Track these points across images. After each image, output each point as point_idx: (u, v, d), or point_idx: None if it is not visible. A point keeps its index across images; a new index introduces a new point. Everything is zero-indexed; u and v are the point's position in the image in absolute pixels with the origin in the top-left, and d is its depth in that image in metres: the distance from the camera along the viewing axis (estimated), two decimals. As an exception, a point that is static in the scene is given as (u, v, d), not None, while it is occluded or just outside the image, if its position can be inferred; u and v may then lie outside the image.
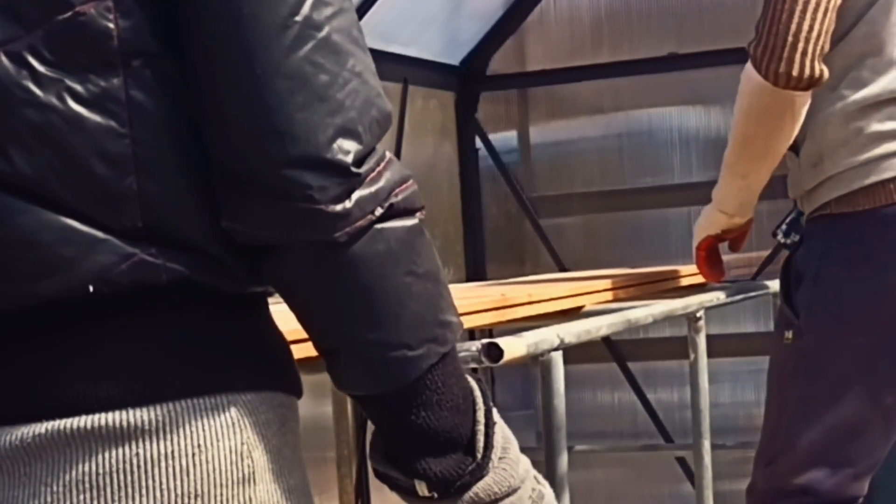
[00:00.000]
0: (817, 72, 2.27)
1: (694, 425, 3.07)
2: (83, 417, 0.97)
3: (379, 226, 1.00)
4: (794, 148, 2.45)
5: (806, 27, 2.25)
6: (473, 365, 1.80)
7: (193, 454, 0.99)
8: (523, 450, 1.13)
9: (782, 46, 2.26)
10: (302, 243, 1.00)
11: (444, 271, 1.07)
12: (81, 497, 0.97)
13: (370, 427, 1.10)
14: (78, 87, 0.97)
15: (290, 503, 1.05)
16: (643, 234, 5.02)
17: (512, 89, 5.18)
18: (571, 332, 2.07)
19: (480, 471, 1.08)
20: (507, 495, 1.10)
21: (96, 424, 0.97)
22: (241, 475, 1.01)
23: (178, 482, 0.98)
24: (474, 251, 5.12)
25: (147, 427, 0.98)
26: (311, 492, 1.09)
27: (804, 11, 2.26)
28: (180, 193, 0.99)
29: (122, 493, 0.97)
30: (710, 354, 3.02)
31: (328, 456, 3.49)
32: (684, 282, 3.25)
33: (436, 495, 1.08)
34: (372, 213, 1.00)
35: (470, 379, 1.09)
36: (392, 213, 1.01)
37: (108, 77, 0.97)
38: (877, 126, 2.35)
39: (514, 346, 1.86)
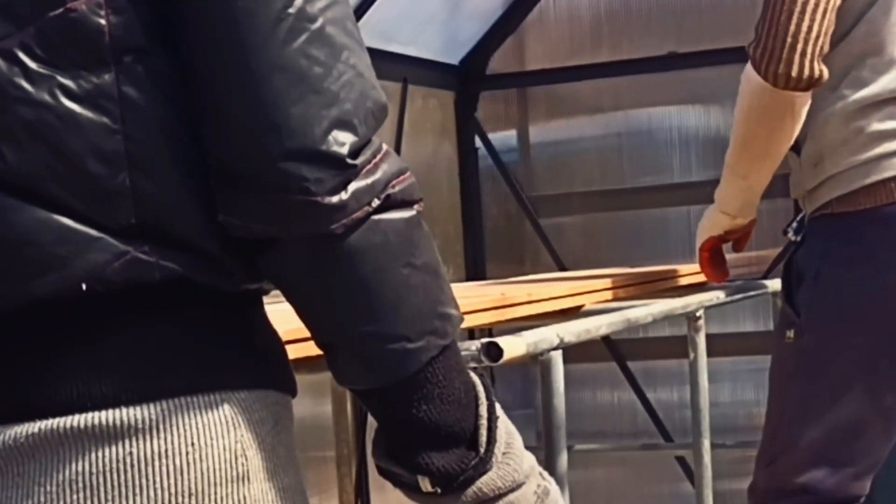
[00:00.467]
0: (817, 72, 2.27)
1: (693, 424, 3.07)
2: (77, 416, 0.97)
3: (376, 217, 1.00)
4: (796, 148, 2.45)
5: (805, 28, 2.25)
6: (473, 364, 1.80)
7: (187, 453, 0.98)
8: (523, 448, 1.13)
9: (781, 47, 2.26)
10: (299, 236, 1.00)
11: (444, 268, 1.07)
12: (75, 497, 0.97)
13: (370, 426, 1.10)
14: (70, 84, 0.96)
15: (284, 502, 1.05)
16: (643, 233, 5.02)
17: (511, 89, 5.18)
18: (571, 331, 2.07)
19: (483, 465, 1.07)
20: (512, 490, 1.09)
21: (90, 423, 0.97)
22: (235, 474, 1.00)
23: (173, 481, 0.98)
24: (474, 251, 5.12)
25: (141, 426, 0.97)
26: (305, 490, 1.09)
27: (803, 12, 2.26)
28: (174, 190, 0.99)
29: (116, 493, 0.97)
30: (709, 354, 3.02)
31: (328, 455, 3.49)
32: (684, 281, 3.25)
33: (439, 490, 1.07)
34: (368, 204, 0.99)
35: (472, 373, 1.09)
36: (389, 204, 1.01)
37: (101, 73, 0.97)
38: (877, 125, 2.35)
39: (513, 346, 1.86)
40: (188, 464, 0.98)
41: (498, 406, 1.09)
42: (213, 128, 0.99)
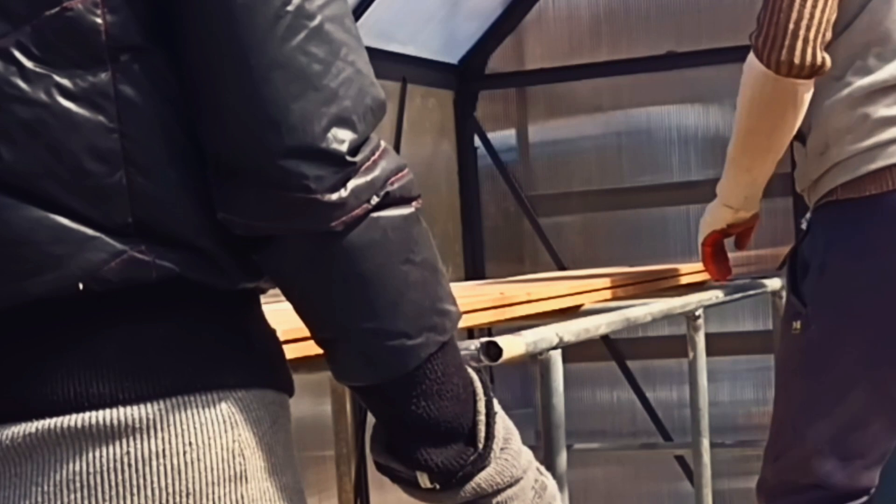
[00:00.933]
0: (819, 59, 2.27)
1: (693, 424, 3.07)
2: (74, 416, 0.97)
3: (375, 214, 1.00)
4: (801, 139, 2.44)
5: (807, 15, 2.26)
6: (472, 364, 1.79)
7: (185, 452, 0.98)
8: (522, 448, 1.13)
9: (783, 35, 2.26)
10: (298, 233, 1.00)
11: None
12: (73, 496, 0.97)
13: (369, 426, 1.09)
14: (67, 83, 0.96)
15: (282, 501, 1.05)
16: (642, 232, 5.01)
17: (510, 88, 5.18)
18: (570, 330, 2.07)
19: (482, 461, 1.08)
20: (510, 485, 1.10)
21: (87, 423, 0.97)
22: (232, 473, 1.00)
23: (170, 480, 0.98)
24: (473, 250, 5.12)
25: (138, 425, 0.97)
26: (303, 490, 1.09)
27: (804, 1, 2.26)
28: (171, 188, 0.99)
29: (114, 493, 0.97)
30: (708, 353, 3.02)
31: (327, 455, 3.48)
32: (683, 280, 3.24)
33: (438, 486, 1.08)
34: (368, 201, 1.00)
35: (470, 370, 1.09)
36: (388, 201, 1.01)
37: (97, 72, 0.97)
38: (884, 111, 2.34)
39: (512, 345, 1.85)
40: (186, 463, 0.98)
41: (496, 402, 1.10)
42: (212, 125, 0.99)
